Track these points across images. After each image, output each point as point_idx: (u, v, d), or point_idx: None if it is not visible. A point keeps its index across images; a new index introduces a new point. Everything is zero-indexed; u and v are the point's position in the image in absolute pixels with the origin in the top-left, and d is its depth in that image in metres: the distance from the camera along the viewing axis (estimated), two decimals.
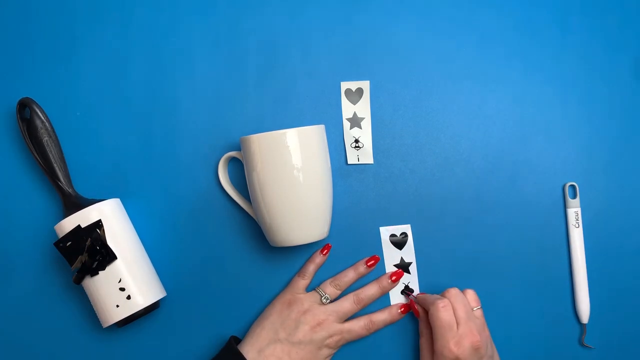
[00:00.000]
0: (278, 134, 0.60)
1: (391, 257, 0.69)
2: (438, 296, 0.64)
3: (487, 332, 0.63)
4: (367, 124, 0.69)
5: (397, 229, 0.69)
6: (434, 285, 0.69)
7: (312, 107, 0.69)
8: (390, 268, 0.69)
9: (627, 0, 0.70)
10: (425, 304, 0.64)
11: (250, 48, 0.69)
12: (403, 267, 0.68)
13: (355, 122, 0.69)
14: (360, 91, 0.69)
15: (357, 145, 0.69)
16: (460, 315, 0.61)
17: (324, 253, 0.68)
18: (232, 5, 0.69)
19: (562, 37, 0.70)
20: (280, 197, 0.61)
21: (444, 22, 0.70)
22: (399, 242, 0.69)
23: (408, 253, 0.69)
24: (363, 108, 0.69)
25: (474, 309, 0.64)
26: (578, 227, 0.68)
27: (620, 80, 0.70)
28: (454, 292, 0.63)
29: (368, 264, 0.68)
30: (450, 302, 0.62)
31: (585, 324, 0.68)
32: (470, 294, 0.65)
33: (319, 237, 0.63)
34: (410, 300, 0.67)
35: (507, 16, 0.70)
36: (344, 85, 0.69)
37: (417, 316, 0.66)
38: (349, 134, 0.69)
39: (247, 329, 0.68)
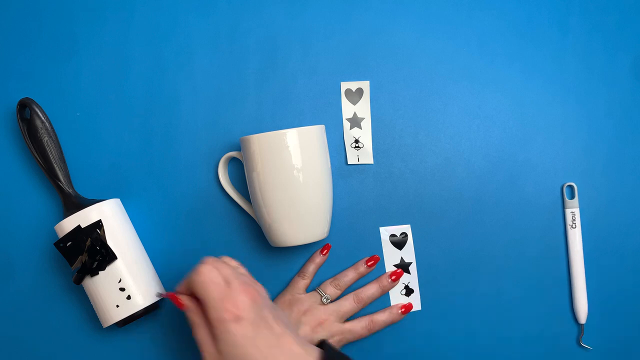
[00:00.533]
0: (278, 134, 0.60)
1: (391, 257, 0.69)
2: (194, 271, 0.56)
3: (259, 284, 0.56)
4: (367, 124, 0.69)
5: (397, 229, 0.69)
6: (434, 285, 0.69)
7: (312, 107, 0.69)
8: (390, 268, 0.69)
9: (627, 1, 0.70)
10: (187, 286, 0.56)
11: (250, 48, 0.69)
12: (403, 267, 0.68)
13: (355, 122, 0.69)
14: (360, 91, 0.69)
15: (357, 145, 0.69)
16: (226, 273, 0.54)
17: (324, 253, 0.68)
18: (232, 5, 0.69)
19: (561, 37, 0.70)
20: (280, 197, 0.61)
21: (444, 22, 0.70)
22: (399, 242, 0.69)
23: (408, 253, 0.69)
24: (363, 108, 0.69)
25: (236, 266, 0.58)
26: (575, 227, 0.68)
27: (619, 80, 0.70)
28: (209, 258, 0.55)
29: (368, 263, 0.68)
30: (211, 264, 0.54)
31: (582, 324, 0.68)
32: (226, 258, 0.59)
33: (319, 237, 0.63)
34: (170, 294, 0.57)
35: (507, 16, 0.70)
36: (344, 85, 0.69)
37: (182, 308, 0.56)
38: (349, 134, 0.69)
39: None
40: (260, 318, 0.53)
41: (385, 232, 0.69)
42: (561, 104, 0.70)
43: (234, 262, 0.59)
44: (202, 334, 0.54)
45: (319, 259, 0.68)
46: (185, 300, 0.56)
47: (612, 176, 0.69)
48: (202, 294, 0.53)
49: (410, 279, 0.69)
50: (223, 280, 0.53)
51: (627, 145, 0.70)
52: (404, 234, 0.69)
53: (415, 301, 0.69)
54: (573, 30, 0.70)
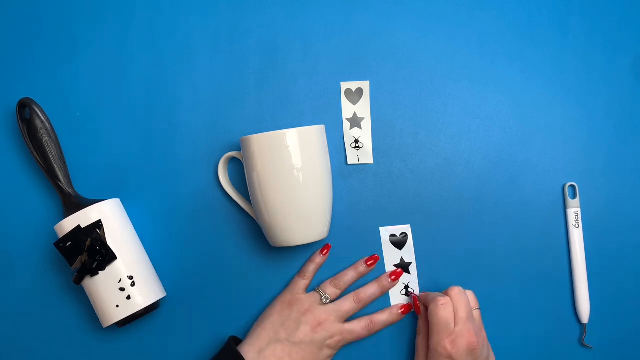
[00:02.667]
0: (278, 134, 0.60)
1: (391, 257, 0.69)
2: (440, 294, 0.63)
3: (484, 335, 0.63)
4: (367, 124, 0.69)
5: (397, 229, 0.69)
6: (434, 286, 0.69)
7: (312, 107, 0.69)
8: (390, 268, 0.69)
9: (627, 1, 0.70)
10: (426, 301, 0.64)
11: (250, 48, 0.69)
12: (403, 267, 0.68)
13: (355, 122, 0.69)
14: (360, 91, 0.69)
15: (357, 145, 0.69)
16: (460, 314, 0.60)
17: (324, 253, 0.68)
18: (232, 5, 0.69)
19: (561, 37, 0.70)
20: (280, 197, 0.61)
21: (444, 23, 0.70)
22: (399, 242, 0.69)
23: (408, 253, 0.69)
24: (363, 108, 0.69)
25: (473, 309, 0.63)
26: (578, 227, 0.68)
27: (619, 80, 0.70)
28: (456, 290, 0.62)
29: (368, 263, 0.68)
30: (452, 300, 0.61)
31: (585, 324, 0.68)
32: (470, 295, 0.64)
33: (319, 237, 0.63)
34: (414, 297, 0.67)
35: (507, 16, 0.70)
36: (344, 85, 0.69)
37: (417, 313, 0.66)
38: (349, 134, 0.69)
39: (247, 329, 0.68)
40: None
41: (385, 232, 0.68)
42: (561, 104, 0.70)
43: (474, 303, 0.64)
44: (420, 342, 0.64)
45: (319, 259, 0.68)
46: (422, 308, 0.65)
47: (612, 176, 0.69)
48: (431, 322, 0.60)
49: (410, 279, 0.69)
50: (452, 319, 0.59)
51: (627, 145, 0.70)
52: (404, 234, 0.69)
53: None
54: (573, 30, 0.70)
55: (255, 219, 0.66)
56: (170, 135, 0.69)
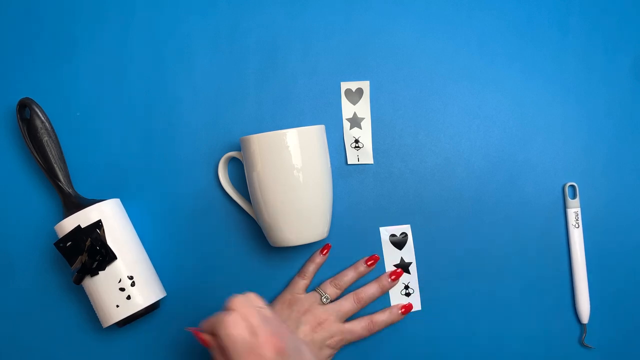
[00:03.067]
0: (278, 134, 0.60)
1: (391, 257, 0.69)
2: (222, 313, 0.53)
3: (285, 329, 0.54)
4: (367, 124, 0.69)
5: (397, 229, 0.69)
6: (434, 286, 0.69)
7: (312, 107, 0.69)
8: (390, 268, 0.69)
9: (627, 1, 0.70)
10: (212, 327, 0.53)
11: (250, 48, 0.69)
12: (403, 267, 0.68)
13: (355, 122, 0.69)
14: (360, 91, 0.69)
15: (357, 145, 0.69)
16: (252, 322, 0.52)
17: (324, 253, 0.68)
18: (232, 5, 0.69)
19: (561, 37, 0.70)
20: (280, 197, 0.61)
21: (444, 23, 0.70)
22: (399, 242, 0.69)
23: (408, 253, 0.69)
24: (363, 108, 0.69)
25: (261, 309, 0.55)
26: (578, 227, 0.68)
27: (619, 80, 0.70)
28: (237, 300, 0.53)
29: (368, 263, 0.68)
30: (238, 312, 0.52)
31: (585, 324, 0.68)
32: (252, 296, 0.56)
33: (319, 237, 0.63)
34: (194, 332, 0.56)
35: (507, 16, 0.70)
36: (344, 85, 0.69)
37: (207, 346, 0.54)
38: (349, 134, 0.69)
39: None
40: None
41: (385, 232, 0.68)
42: (561, 104, 0.70)
43: (258, 302, 0.56)
44: None
45: (319, 259, 0.68)
46: (210, 339, 0.54)
47: (612, 176, 0.69)
48: (226, 346, 0.51)
49: (410, 279, 0.69)
50: (249, 332, 0.51)
51: (627, 145, 0.70)
52: (404, 234, 0.69)
53: (415, 301, 0.68)
54: (573, 30, 0.70)
55: (255, 219, 0.66)
56: (170, 135, 0.69)
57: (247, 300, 0.54)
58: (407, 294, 0.69)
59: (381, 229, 0.69)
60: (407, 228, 0.69)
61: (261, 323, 0.52)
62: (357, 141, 0.69)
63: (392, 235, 0.69)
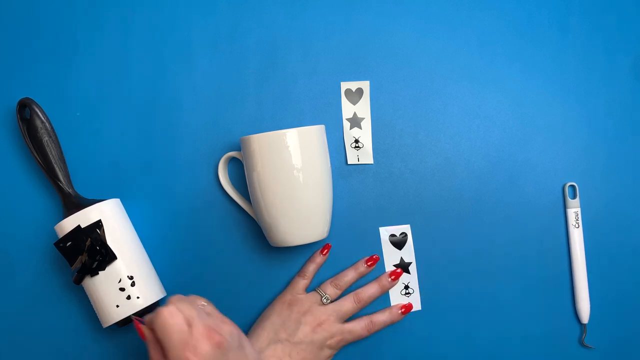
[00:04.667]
0: (278, 134, 0.60)
1: (391, 257, 0.69)
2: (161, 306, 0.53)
3: (227, 324, 0.53)
4: (367, 124, 0.69)
5: (397, 229, 0.69)
6: (434, 286, 0.69)
7: (312, 107, 0.69)
8: (390, 268, 0.69)
9: (627, 1, 0.70)
10: (150, 321, 0.52)
11: (250, 48, 0.69)
12: (403, 267, 0.68)
13: (355, 122, 0.69)
14: (360, 91, 0.69)
15: (357, 145, 0.69)
16: (189, 314, 0.51)
17: (324, 253, 0.68)
18: (232, 5, 0.69)
19: (561, 37, 0.70)
20: (280, 197, 0.61)
21: (444, 22, 0.70)
22: (398, 242, 0.69)
23: (408, 253, 0.69)
24: (363, 108, 0.69)
25: (201, 305, 0.54)
26: (578, 227, 0.68)
27: (620, 80, 0.70)
28: (174, 297, 0.52)
29: (367, 263, 0.68)
30: (175, 306, 0.51)
31: (585, 324, 0.68)
32: (194, 297, 0.55)
33: (319, 237, 0.63)
34: (136, 322, 0.55)
35: (507, 16, 0.70)
36: (344, 85, 0.69)
37: (143, 339, 0.53)
38: (349, 134, 0.69)
39: (247, 329, 0.68)
40: None
41: (385, 232, 0.68)
42: (561, 104, 0.70)
43: (201, 301, 0.55)
44: None
45: (319, 258, 0.68)
46: (147, 332, 0.52)
47: (612, 176, 0.69)
48: (162, 338, 0.50)
49: (410, 279, 0.69)
50: (186, 324, 0.50)
51: (627, 145, 0.70)
52: (404, 234, 0.69)
53: (415, 301, 0.68)
54: (573, 30, 0.70)
55: (255, 219, 0.66)
56: (170, 135, 0.69)
57: (188, 298, 0.53)
58: (407, 294, 0.69)
59: (381, 229, 0.69)
60: (407, 228, 0.69)
61: (198, 316, 0.50)
62: (357, 141, 0.69)
63: (392, 235, 0.69)
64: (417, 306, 0.69)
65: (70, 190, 0.65)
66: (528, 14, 0.70)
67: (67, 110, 0.69)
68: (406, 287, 0.69)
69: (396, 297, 0.69)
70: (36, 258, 0.68)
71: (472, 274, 0.69)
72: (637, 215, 0.69)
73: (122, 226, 0.64)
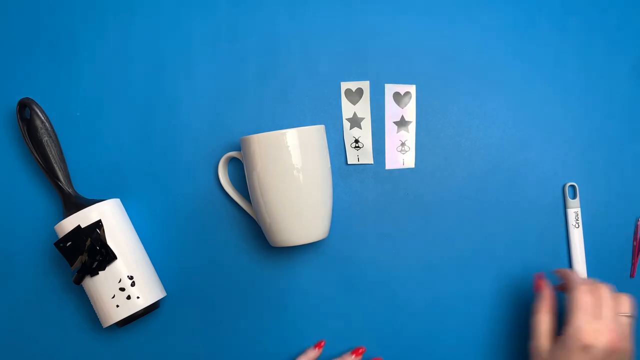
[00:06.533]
0: (278, 134, 0.60)
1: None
2: (586, 280, 0.59)
3: (630, 344, 0.57)
4: (367, 124, 0.69)
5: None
6: (434, 285, 0.69)
7: (312, 107, 0.69)
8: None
9: (627, 1, 0.70)
10: (568, 280, 0.60)
11: (250, 48, 0.69)
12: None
13: (355, 122, 0.69)
14: (360, 91, 0.69)
15: (357, 145, 0.69)
16: (605, 312, 0.56)
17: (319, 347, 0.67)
18: (232, 5, 0.69)
19: (562, 37, 0.70)
20: (280, 197, 0.61)
21: (444, 22, 0.70)
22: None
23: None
24: (363, 108, 0.69)
25: (624, 314, 0.58)
26: (578, 227, 0.68)
27: (620, 80, 0.70)
28: (605, 288, 0.58)
29: (353, 355, 0.67)
30: (600, 295, 0.57)
31: None
32: (624, 299, 0.58)
33: (319, 237, 0.63)
34: (540, 276, 0.64)
35: (507, 16, 0.70)
36: (344, 85, 0.69)
37: (539, 290, 0.62)
38: (349, 134, 0.69)
39: (247, 329, 0.68)
40: None
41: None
42: (561, 103, 0.70)
43: (624, 307, 0.58)
44: (541, 324, 0.60)
45: (312, 354, 0.67)
46: (547, 288, 0.61)
47: (612, 176, 0.69)
48: (572, 308, 0.56)
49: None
50: (593, 310, 0.56)
51: (627, 145, 0.70)
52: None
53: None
54: (573, 30, 0.70)
55: (255, 219, 0.66)
56: (170, 135, 0.69)
57: (611, 295, 0.57)
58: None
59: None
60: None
61: (612, 316, 0.56)
62: (357, 141, 0.69)
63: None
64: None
65: (70, 190, 0.65)
66: (528, 14, 0.70)
67: (67, 110, 0.69)
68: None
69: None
70: (36, 258, 0.68)
71: (472, 274, 0.69)
72: (637, 215, 0.69)
73: (122, 226, 0.64)
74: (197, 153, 0.69)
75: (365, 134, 0.69)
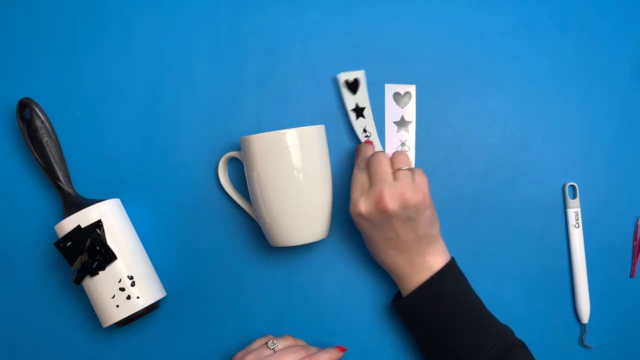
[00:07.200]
0: (278, 134, 0.60)
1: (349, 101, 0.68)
2: (372, 153, 0.62)
3: (421, 192, 0.59)
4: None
5: (352, 74, 0.67)
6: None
7: (312, 107, 0.69)
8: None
9: (627, 1, 0.70)
10: (358, 155, 0.64)
11: (250, 48, 0.69)
12: (357, 111, 0.67)
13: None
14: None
15: (366, 135, 0.68)
16: (376, 179, 0.59)
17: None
18: (232, 5, 0.69)
19: (561, 37, 0.70)
20: (280, 197, 0.61)
21: (444, 22, 0.70)
22: (353, 85, 0.67)
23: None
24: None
25: (403, 168, 0.60)
26: (578, 227, 0.68)
27: (619, 80, 0.70)
28: (374, 157, 0.61)
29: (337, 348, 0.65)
30: (368, 164, 0.61)
31: (585, 324, 0.68)
32: (398, 155, 0.61)
33: (319, 237, 0.63)
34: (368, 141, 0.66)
35: (507, 16, 0.70)
36: (342, 77, 0.68)
37: (363, 149, 0.65)
38: (357, 124, 0.68)
39: (247, 329, 0.68)
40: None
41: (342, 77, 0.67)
42: (561, 104, 0.70)
43: (400, 164, 0.61)
44: (356, 180, 0.61)
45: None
46: (369, 148, 0.64)
47: (611, 176, 0.69)
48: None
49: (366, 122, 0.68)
50: (365, 183, 0.60)
51: (627, 145, 0.70)
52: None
53: None
54: (573, 30, 0.70)
55: (255, 219, 0.66)
56: (170, 135, 0.69)
57: (380, 158, 0.61)
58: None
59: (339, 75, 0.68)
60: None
61: (380, 179, 0.59)
62: (365, 130, 0.68)
63: (347, 80, 0.67)
64: None
65: (70, 190, 0.65)
66: (528, 14, 0.70)
67: (67, 110, 0.69)
68: (364, 130, 0.68)
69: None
70: (36, 258, 0.68)
71: (472, 274, 0.69)
72: (636, 214, 0.69)
73: (122, 226, 0.64)
74: (197, 153, 0.69)
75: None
